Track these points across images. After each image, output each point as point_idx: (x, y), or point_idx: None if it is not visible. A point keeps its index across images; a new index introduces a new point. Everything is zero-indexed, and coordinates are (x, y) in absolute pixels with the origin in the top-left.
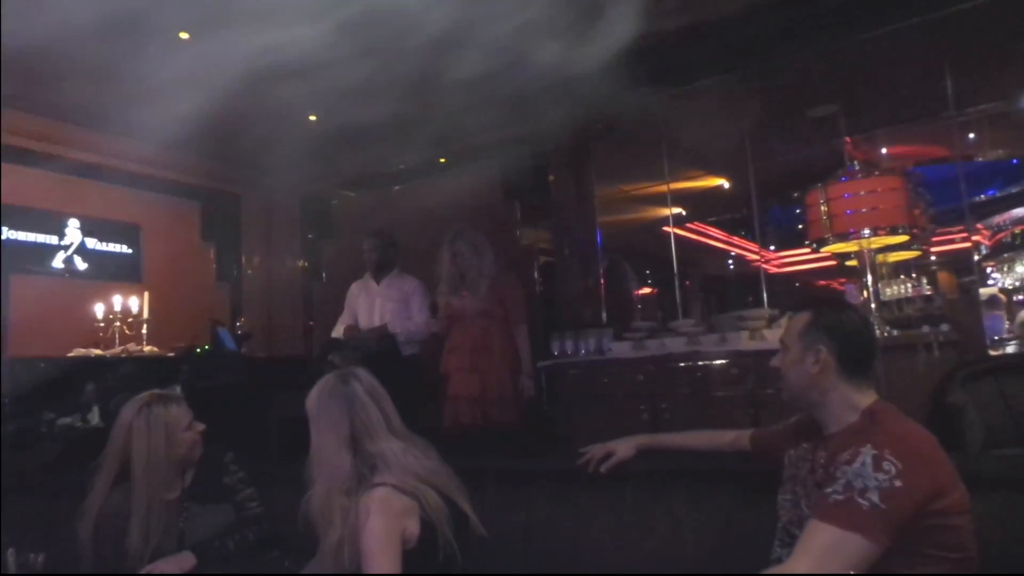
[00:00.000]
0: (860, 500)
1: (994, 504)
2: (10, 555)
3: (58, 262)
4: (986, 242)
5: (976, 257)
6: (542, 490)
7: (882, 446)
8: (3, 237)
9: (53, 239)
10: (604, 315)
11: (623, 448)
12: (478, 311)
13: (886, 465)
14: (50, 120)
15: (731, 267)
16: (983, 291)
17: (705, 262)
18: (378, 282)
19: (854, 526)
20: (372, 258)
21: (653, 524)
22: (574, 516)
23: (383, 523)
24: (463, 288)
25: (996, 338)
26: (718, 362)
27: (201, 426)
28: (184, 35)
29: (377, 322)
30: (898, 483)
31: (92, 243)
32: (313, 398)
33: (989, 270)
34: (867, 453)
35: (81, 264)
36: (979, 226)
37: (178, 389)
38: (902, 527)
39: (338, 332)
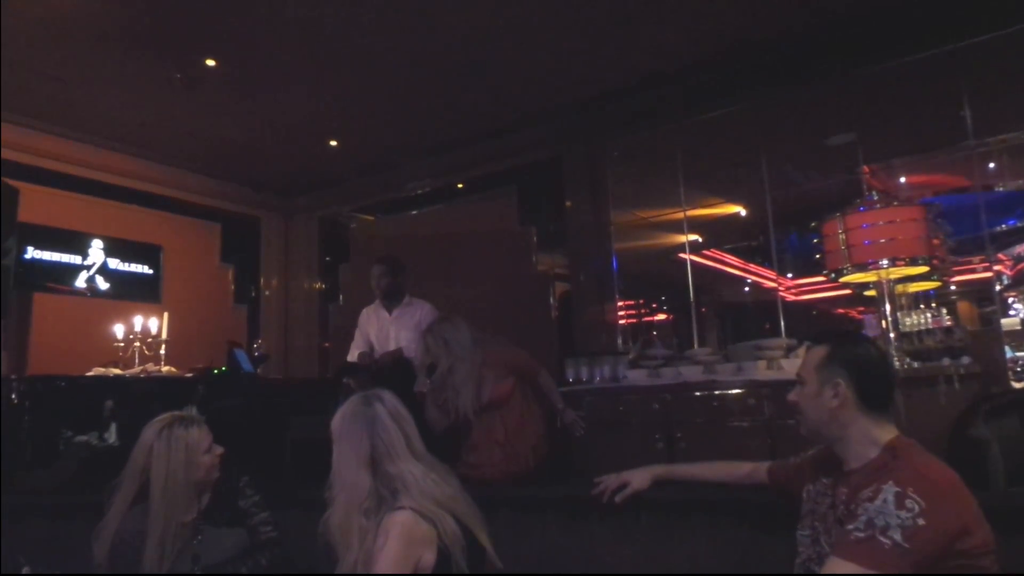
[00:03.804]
0: (882, 539)
1: (1019, 544)
2: (25, 572)
3: (81, 281)
4: (1007, 272)
5: (997, 287)
6: (555, 519)
7: (905, 483)
8: (28, 257)
9: (77, 259)
10: (620, 341)
11: (638, 478)
12: (487, 406)
13: (909, 503)
14: (75, 142)
15: (747, 295)
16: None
17: (721, 289)
18: (389, 311)
19: (876, 565)
20: (381, 284)
21: (668, 556)
22: (588, 546)
23: (400, 549)
24: (457, 390)
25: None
26: (734, 391)
27: (220, 449)
28: (210, 62)
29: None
30: (921, 522)
31: (114, 263)
32: (337, 418)
33: (1011, 300)
34: (889, 490)
35: (103, 284)
36: (1000, 256)
37: (194, 410)
38: (925, 567)
39: (353, 357)
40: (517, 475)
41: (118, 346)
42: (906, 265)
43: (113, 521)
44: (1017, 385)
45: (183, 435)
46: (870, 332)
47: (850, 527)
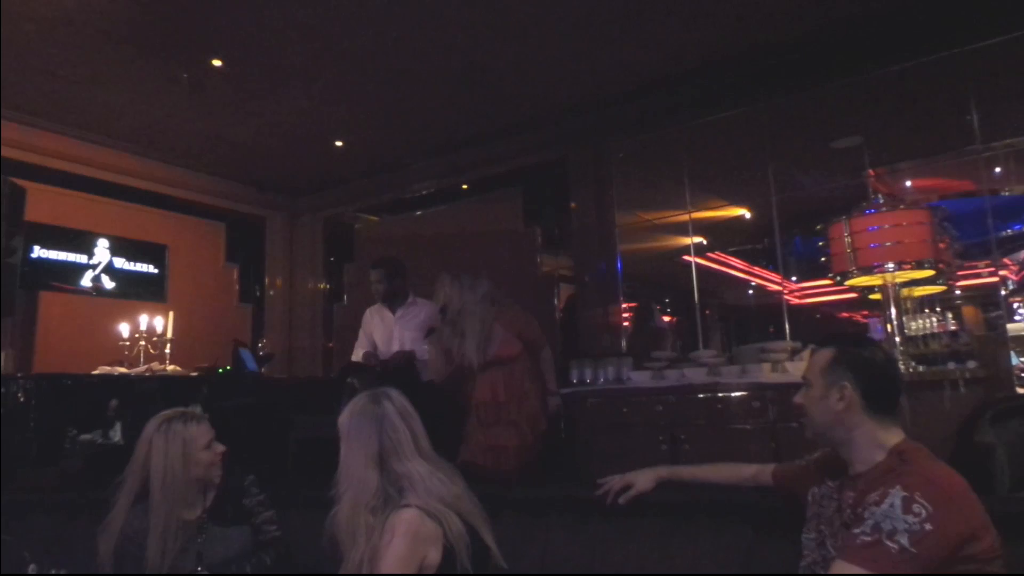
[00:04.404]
0: (889, 543)
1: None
2: (31, 570)
3: (86, 280)
4: (1013, 277)
5: (1003, 292)
6: (559, 520)
7: (912, 488)
8: (34, 255)
9: (83, 258)
10: (624, 343)
11: (642, 480)
12: (492, 360)
13: (916, 507)
14: (82, 141)
15: (752, 298)
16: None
17: (725, 292)
18: (393, 311)
19: (883, 569)
20: (379, 289)
21: (671, 558)
22: (591, 547)
23: (406, 547)
24: (464, 335)
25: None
26: (738, 394)
27: (221, 447)
28: (217, 62)
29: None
30: (928, 526)
31: (120, 262)
32: (345, 416)
33: (1016, 305)
34: (896, 494)
35: (108, 283)
36: (1006, 261)
37: (199, 408)
38: (932, 572)
39: (357, 356)
40: (521, 449)
41: (123, 345)
42: (912, 269)
43: (117, 517)
44: (1022, 390)
45: (181, 430)
46: (874, 336)
47: (856, 531)
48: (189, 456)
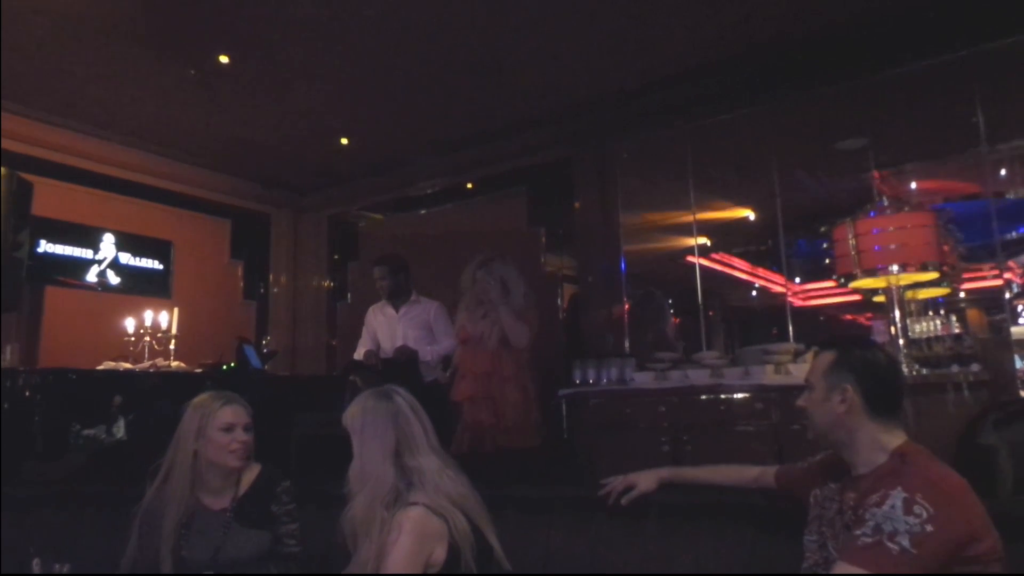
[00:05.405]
0: (890, 544)
1: None
2: (35, 565)
3: (92, 276)
4: (1017, 280)
5: (1008, 295)
6: (561, 520)
7: (913, 489)
8: (40, 250)
9: (88, 253)
10: (627, 344)
11: (645, 481)
12: (493, 338)
13: (917, 509)
14: (88, 137)
15: (755, 299)
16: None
17: (729, 293)
18: (396, 309)
19: (884, 570)
20: (384, 285)
21: (674, 559)
22: (594, 548)
23: (412, 544)
24: (480, 314)
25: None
26: (741, 395)
27: (243, 436)
28: (224, 59)
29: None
30: (929, 528)
31: (125, 258)
32: (356, 413)
33: (1020, 308)
34: (897, 496)
35: (114, 278)
36: (1011, 263)
37: None
38: (933, 573)
39: (359, 355)
40: (485, 427)
41: (128, 340)
42: (916, 271)
43: (148, 491)
44: None
45: (205, 404)
46: (878, 338)
47: (858, 532)
48: (203, 432)
